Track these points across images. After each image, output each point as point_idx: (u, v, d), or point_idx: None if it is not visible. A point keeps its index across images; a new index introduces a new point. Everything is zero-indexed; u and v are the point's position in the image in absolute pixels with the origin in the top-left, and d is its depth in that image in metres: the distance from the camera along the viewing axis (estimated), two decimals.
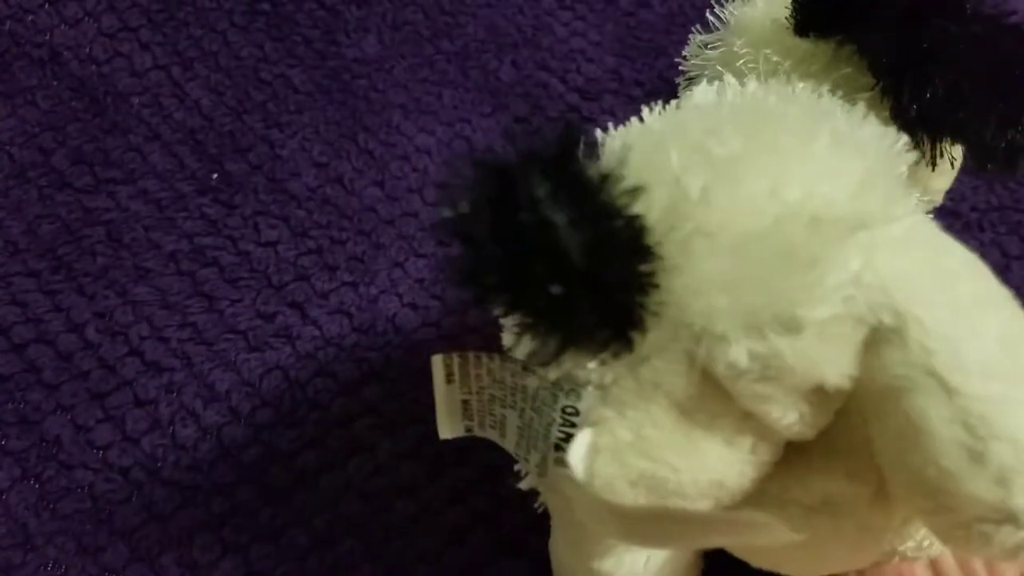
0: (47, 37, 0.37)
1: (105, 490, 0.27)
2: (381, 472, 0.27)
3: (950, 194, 0.34)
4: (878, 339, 0.15)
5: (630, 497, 0.15)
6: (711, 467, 0.16)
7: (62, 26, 0.37)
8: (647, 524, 0.16)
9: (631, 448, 0.15)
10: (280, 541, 0.26)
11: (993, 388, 0.14)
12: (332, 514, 0.27)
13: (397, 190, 0.34)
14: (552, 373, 0.16)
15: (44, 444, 0.28)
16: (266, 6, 0.38)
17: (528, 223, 0.13)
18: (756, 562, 0.21)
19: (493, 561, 0.26)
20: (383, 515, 0.27)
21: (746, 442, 0.16)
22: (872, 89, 0.20)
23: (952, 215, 0.33)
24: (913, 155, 0.18)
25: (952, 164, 0.20)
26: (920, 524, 0.18)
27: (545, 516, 0.26)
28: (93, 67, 0.36)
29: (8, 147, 0.34)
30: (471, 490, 0.27)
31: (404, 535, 0.26)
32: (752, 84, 0.18)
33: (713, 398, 0.15)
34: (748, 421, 0.16)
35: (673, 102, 0.19)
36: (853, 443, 0.17)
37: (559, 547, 0.23)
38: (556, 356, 0.15)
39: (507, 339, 0.18)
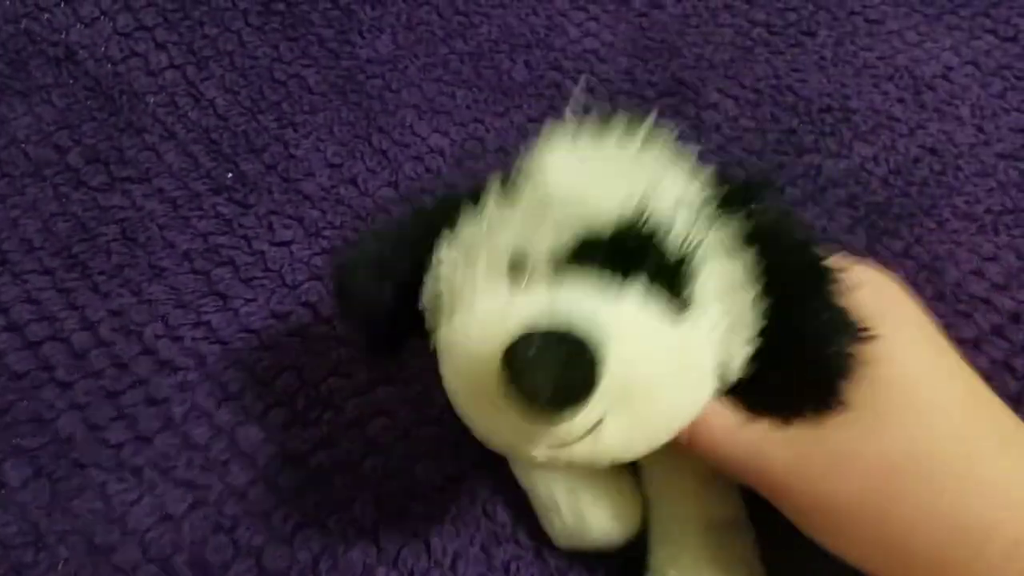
0: (63, 36, 0.37)
1: (117, 489, 0.27)
2: (395, 474, 0.27)
3: (964, 197, 0.34)
4: None
5: None
6: None
7: (78, 25, 0.37)
8: None
9: None
10: (293, 543, 0.26)
11: None
12: (346, 516, 0.26)
13: (410, 191, 0.34)
14: None
15: (57, 442, 0.28)
16: (281, 6, 0.38)
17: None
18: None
19: (509, 567, 0.25)
20: (397, 518, 0.26)
21: None
22: None
23: (966, 217, 0.33)
24: None
25: None
26: None
27: None
28: (108, 66, 0.36)
29: (24, 145, 0.34)
30: (488, 495, 0.27)
31: (418, 538, 0.26)
32: None
33: None
34: None
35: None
36: None
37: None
38: None
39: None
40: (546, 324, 0.16)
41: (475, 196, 0.20)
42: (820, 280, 0.18)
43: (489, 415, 0.17)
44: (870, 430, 0.19)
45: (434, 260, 0.20)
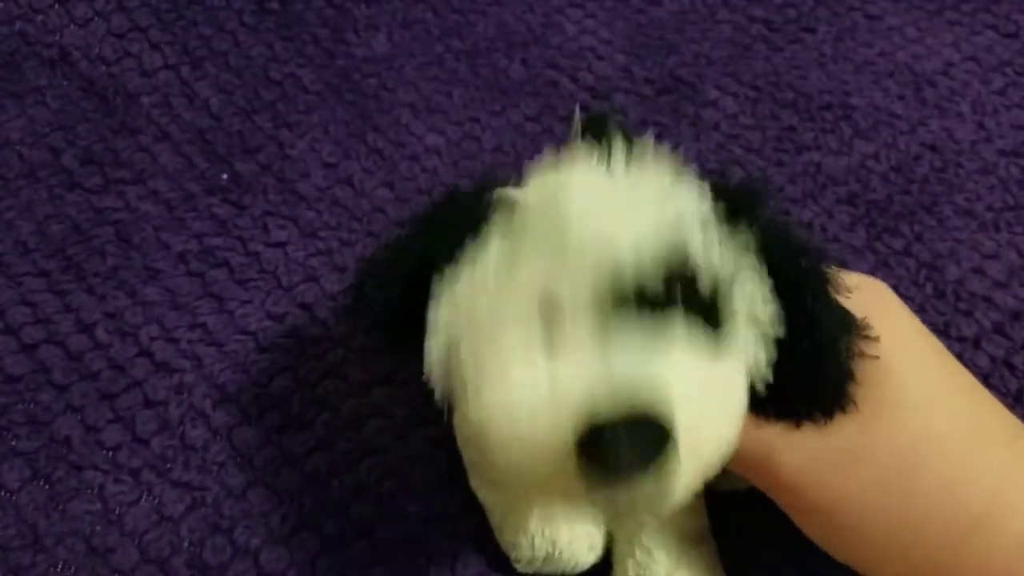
0: (57, 37, 0.37)
1: (115, 491, 0.27)
2: (392, 475, 0.27)
3: (965, 194, 0.34)
4: None
5: None
6: None
7: (72, 26, 0.37)
8: None
9: None
10: (291, 544, 0.26)
11: None
12: (343, 517, 0.26)
13: (406, 191, 0.33)
14: None
15: (54, 445, 0.28)
16: (275, 5, 0.38)
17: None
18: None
19: (507, 567, 0.25)
20: (395, 519, 0.26)
21: None
22: None
23: (967, 215, 0.32)
24: None
25: None
26: None
27: None
28: (103, 67, 0.36)
29: (18, 147, 0.34)
30: None
31: (416, 539, 0.26)
32: None
33: None
34: None
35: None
36: None
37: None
38: None
39: None
40: (609, 399, 0.15)
41: (464, 222, 0.18)
42: (821, 282, 0.19)
43: (545, 484, 0.17)
44: (878, 423, 0.19)
45: (432, 324, 0.18)
